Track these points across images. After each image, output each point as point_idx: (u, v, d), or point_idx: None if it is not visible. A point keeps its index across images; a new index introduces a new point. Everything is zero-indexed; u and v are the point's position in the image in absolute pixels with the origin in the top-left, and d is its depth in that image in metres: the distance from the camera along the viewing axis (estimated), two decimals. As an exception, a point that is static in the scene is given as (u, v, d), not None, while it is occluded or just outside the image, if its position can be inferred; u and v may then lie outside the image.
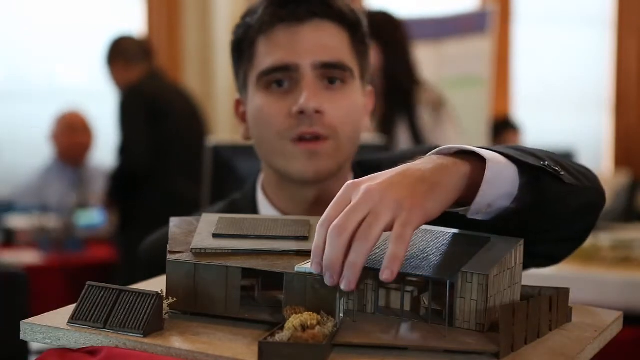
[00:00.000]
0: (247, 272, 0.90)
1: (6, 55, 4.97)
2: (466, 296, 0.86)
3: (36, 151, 4.48)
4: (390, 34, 2.96)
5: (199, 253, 0.93)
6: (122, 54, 3.72)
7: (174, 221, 1.04)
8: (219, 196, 1.79)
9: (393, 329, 0.86)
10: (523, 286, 0.95)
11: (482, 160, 0.93)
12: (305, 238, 0.97)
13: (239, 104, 1.34)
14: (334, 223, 0.85)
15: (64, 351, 0.85)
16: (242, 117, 1.33)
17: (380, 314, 0.91)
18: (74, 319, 0.86)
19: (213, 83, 4.99)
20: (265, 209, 1.32)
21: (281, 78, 1.24)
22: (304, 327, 0.80)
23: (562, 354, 0.84)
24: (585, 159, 4.81)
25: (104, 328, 0.84)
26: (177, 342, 0.82)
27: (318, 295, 0.85)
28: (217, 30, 4.92)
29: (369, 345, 0.82)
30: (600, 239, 2.41)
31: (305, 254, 0.93)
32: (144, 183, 3.50)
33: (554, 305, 0.91)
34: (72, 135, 4.17)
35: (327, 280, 0.84)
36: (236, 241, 0.96)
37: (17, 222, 3.76)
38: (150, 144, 3.46)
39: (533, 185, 0.96)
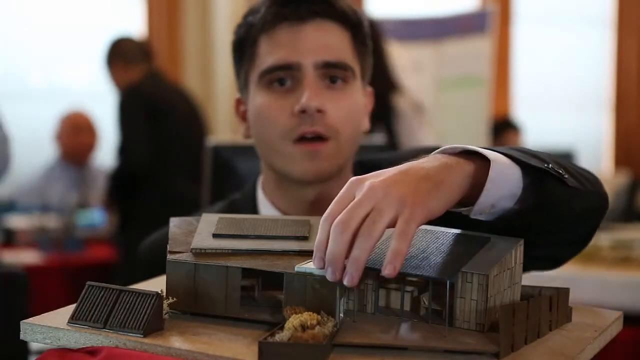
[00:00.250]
0: (247, 272, 0.90)
1: (6, 55, 4.97)
2: (466, 296, 0.86)
3: (36, 151, 4.48)
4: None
5: (199, 253, 0.93)
6: (122, 54, 3.72)
7: (174, 221, 1.04)
8: (219, 196, 1.79)
9: (393, 329, 0.86)
10: (523, 286, 0.95)
11: (485, 160, 0.93)
12: (305, 238, 0.97)
13: (239, 103, 1.34)
14: (338, 218, 0.85)
15: (64, 351, 0.85)
16: (242, 116, 1.33)
17: (380, 314, 0.91)
18: (74, 319, 0.86)
19: (213, 83, 4.99)
20: (266, 208, 1.32)
21: (283, 77, 1.24)
22: (304, 327, 0.80)
23: (562, 354, 0.84)
24: (585, 159, 4.82)
25: (104, 328, 0.84)
26: (177, 342, 0.82)
27: (318, 295, 0.85)
28: (217, 30, 4.92)
29: (369, 345, 0.82)
30: (600, 239, 2.41)
31: (305, 254, 0.93)
32: (143, 183, 3.50)
33: (554, 305, 0.91)
34: (76, 136, 4.17)
35: (329, 276, 0.84)
36: (236, 241, 0.96)
37: (17, 222, 3.76)
38: (150, 144, 3.46)
39: (536, 187, 0.96)
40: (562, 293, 0.94)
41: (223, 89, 4.93)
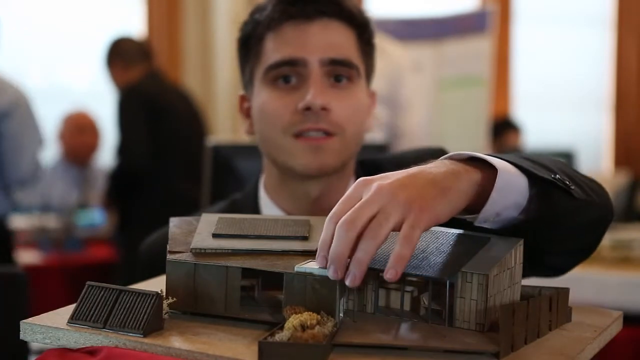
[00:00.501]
0: (247, 272, 0.90)
1: (6, 55, 4.97)
2: (466, 296, 0.86)
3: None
4: None
5: (199, 253, 0.93)
6: (121, 55, 3.72)
7: (173, 221, 1.04)
8: (219, 196, 1.79)
9: (393, 329, 0.86)
10: (523, 286, 0.95)
11: (492, 168, 0.93)
12: (305, 238, 0.97)
13: (243, 100, 1.34)
14: (344, 218, 0.85)
15: (64, 351, 0.85)
16: (246, 113, 1.33)
17: (380, 314, 0.91)
18: (73, 319, 0.86)
19: (213, 83, 4.99)
20: (268, 208, 1.32)
21: (288, 73, 1.24)
22: (303, 327, 0.80)
23: (562, 354, 0.84)
24: (585, 159, 4.82)
25: (103, 328, 0.84)
26: (177, 342, 0.82)
27: (318, 295, 0.85)
28: (217, 30, 4.92)
29: (369, 345, 0.82)
30: (600, 238, 2.40)
31: (305, 254, 0.93)
32: (143, 183, 3.50)
33: (554, 305, 0.91)
34: (79, 136, 4.18)
35: (331, 274, 0.84)
36: (236, 241, 0.96)
37: (17, 222, 3.76)
38: (150, 144, 3.46)
39: (542, 198, 0.96)
40: (562, 293, 0.94)
41: (223, 89, 4.93)
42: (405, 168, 1.28)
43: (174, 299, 0.89)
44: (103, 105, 4.40)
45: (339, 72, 1.25)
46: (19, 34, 4.99)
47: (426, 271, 0.87)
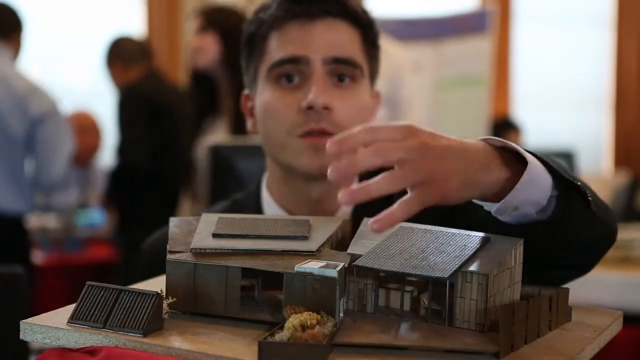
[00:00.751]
0: (247, 272, 0.90)
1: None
2: (466, 296, 0.86)
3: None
4: (234, 26, 2.96)
5: (199, 253, 0.93)
6: (121, 54, 3.72)
7: (173, 221, 1.04)
8: (219, 196, 1.79)
9: (393, 329, 0.86)
10: (523, 286, 0.95)
11: (522, 161, 0.93)
12: (305, 238, 0.97)
13: (247, 98, 1.34)
14: (374, 127, 0.86)
15: (64, 351, 0.85)
16: (249, 111, 1.33)
17: (380, 314, 0.91)
18: (73, 318, 0.86)
19: (213, 83, 4.98)
20: (270, 207, 1.32)
21: (291, 72, 1.24)
22: (303, 327, 0.80)
23: (562, 354, 0.84)
24: (585, 159, 4.82)
25: (103, 328, 0.84)
26: (177, 342, 0.82)
27: (318, 295, 0.85)
28: (217, 30, 4.92)
29: (369, 345, 0.82)
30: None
31: (305, 254, 0.93)
32: (143, 183, 3.50)
33: (553, 305, 0.91)
34: (81, 136, 4.18)
35: (327, 145, 0.85)
36: (236, 241, 0.96)
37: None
38: (150, 144, 3.46)
39: (562, 201, 0.96)
40: (562, 293, 0.94)
41: (223, 89, 4.92)
42: None
43: (174, 299, 0.89)
44: (103, 105, 4.40)
45: (342, 71, 1.25)
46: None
47: (426, 271, 0.87)
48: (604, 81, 5.29)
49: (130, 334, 0.83)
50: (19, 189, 3.10)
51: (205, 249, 0.93)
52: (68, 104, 4.39)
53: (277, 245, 0.95)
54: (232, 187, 1.87)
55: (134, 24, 5.01)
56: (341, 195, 0.85)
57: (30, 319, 0.87)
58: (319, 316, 0.82)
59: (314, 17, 1.24)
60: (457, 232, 0.95)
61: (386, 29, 3.48)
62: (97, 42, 4.13)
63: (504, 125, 4.77)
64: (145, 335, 0.83)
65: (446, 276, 0.85)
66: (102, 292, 0.87)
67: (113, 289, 0.87)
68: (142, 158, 3.46)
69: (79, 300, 0.87)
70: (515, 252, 0.91)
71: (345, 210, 1.29)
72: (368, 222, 0.87)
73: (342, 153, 0.86)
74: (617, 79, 5.20)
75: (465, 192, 0.90)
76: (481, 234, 0.93)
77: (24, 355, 1.96)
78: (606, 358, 1.13)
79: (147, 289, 0.87)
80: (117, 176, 3.57)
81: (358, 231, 0.99)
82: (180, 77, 4.97)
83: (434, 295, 0.89)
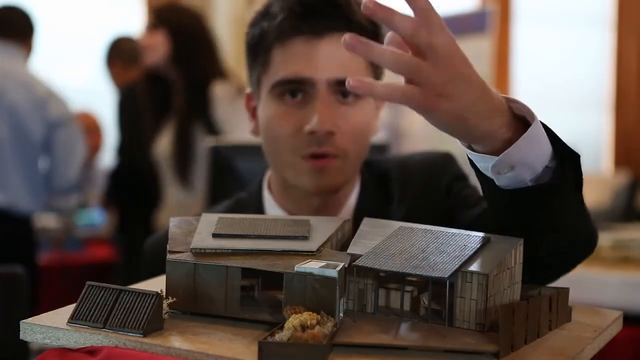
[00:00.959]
0: (247, 272, 0.90)
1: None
2: (466, 296, 0.86)
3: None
4: (185, 24, 2.98)
5: (199, 253, 0.93)
6: (121, 54, 3.72)
7: (173, 221, 1.04)
8: (219, 196, 1.80)
9: (393, 329, 0.86)
10: (523, 286, 0.95)
11: (526, 129, 0.93)
12: (305, 238, 0.97)
13: (250, 98, 1.34)
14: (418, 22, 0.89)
15: (64, 351, 0.85)
16: (252, 111, 1.33)
17: (380, 314, 0.91)
18: (73, 318, 0.86)
19: (213, 83, 4.98)
20: (272, 208, 1.32)
21: (295, 89, 1.23)
22: (303, 327, 0.80)
23: (562, 354, 0.84)
24: (585, 159, 4.79)
25: (103, 328, 0.84)
26: (177, 342, 0.82)
27: (318, 295, 0.85)
28: (217, 30, 4.91)
29: (369, 345, 0.82)
30: (600, 238, 2.40)
31: (305, 254, 0.93)
32: (143, 183, 3.49)
33: (553, 305, 0.91)
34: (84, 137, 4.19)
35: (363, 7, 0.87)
36: (236, 241, 0.96)
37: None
38: (150, 144, 3.46)
39: (556, 174, 0.96)
40: (562, 293, 0.94)
41: (223, 89, 4.93)
42: (411, 172, 1.29)
43: (174, 299, 0.89)
44: (102, 105, 4.40)
45: (346, 89, 1.24)
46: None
47: (426, 271, 0.87)
48: (604, 81, 5.29)
49: (130, 334, 0.83)
50: (34, 190, 3.15)
51: (205, 249, 0.93)
52: (72, 104, 4.39)
53: (277, 245, 0.95)
54: (232, 187, 1.87)
55: (134, 24, 5.01)
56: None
57: (30, 319, 0.87)
58: (319, 316, 0.82)
59: (319, 34, 1.22)
60: (457, 232, 0.95)
61: (386, 29, 3.48)
62: (97, 41, 4.13)
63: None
64: (145, 335, 0.83)
65: (446, 276, 0.85)
66: (102, 292, 0.87)
67: (113, 289, 0.87)
68: (142, 158, 3.46)
69: (79, 300, 0.87)
70: (515, 252, 0.91)
71: (346, 213, 1.30)
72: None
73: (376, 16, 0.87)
74: (617, 79, 5.20)
75: (452, 124, 0.90)
76: (481, 234, 0.93)
77: (24, 355, 1.96)
78: (606, 358, 1.13)
79: (147, 289, 0.87)
80: (117, 176, 3.57)
81: (358, 231, 0.99)
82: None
83: (434, 295, 0.89)
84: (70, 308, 0.88)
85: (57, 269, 3.43)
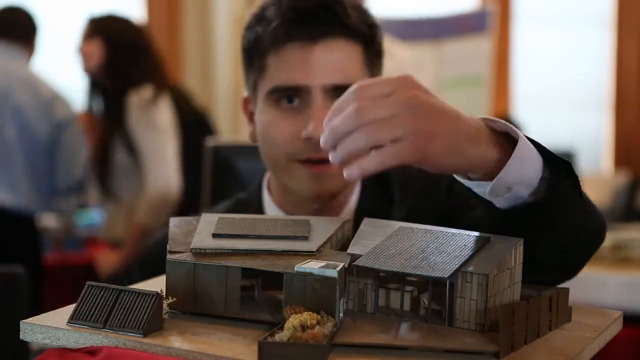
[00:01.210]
0: (247, 272, 0.90)
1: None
2: (466, 296, 0.86)
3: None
4: (121, 34, 3.00)
5: (199, 253, 0.93)
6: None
7: (173, 221, 1.04)
8: (219, 196, 1.80)
9: (393, 329, 0.86)
10: (523, 286, 0.95)
11: (513, 145, 0.93)
12: (305, 238, 0.97)
13: (247, 102, 1.33)
14: (360, 105, 0.86)
15: (64, 351, 0.85)
16: (250, 116, 1.32)
17: (380, 314, 0.91)
18: (73, 318, 0.86)
19: (213, 83, 4.99)
20: (271, 209, 1.33)
21: (291, 95, 1.23)
22: (303, 327, 0.80)
23: (562, 354, 0.84)
24: (585, 159, 4.81)
25: (103, 328, 0.84)
26: (177, 342, 0.82)
27: (318, 295, 0.85)
28: (217, 30, 4.92)
29: (369, 345, 0.82)
30: (600, 238, 2.40)
31: (305, 254, 0.93)
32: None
33: (553, 305, 0.91)
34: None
35: (324, 139, 0.88)
36: (236, 241, 0.96)
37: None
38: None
39: (553, 183, 0.96)
40: (562, 293, 0.94)
41: (223, 89, 4.93)
42: (409, 172, 1.29)
43: (174, 299, 0.89)
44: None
45: (342, 94, 1.23)
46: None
47: (426, 271, 0.87)
48: (604, 81, 5.29)
49: (130, 334, 0.83)
50: (39, 190, 3.17)
51: (205, 249, 0.93)
52: (72, 105, 4.38)
53: (277, 245, 0.95)
54: (232, 187, 1.87)
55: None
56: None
57: (30, 319, 0.87)
58: (319, 316, 0.82)
59: (314, 39, 1.21)
60: (457, 232, 0.95)
61: (386, 29, 3.49)
62: (97, 42, 4.12)
63: (504, 125, 4.76)
64: (145, 335, 0.83)
65: (446, 276, 0.85)
66: (102, 292, 0.87)
67: (113, 289, 0.87)
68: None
69: (79, 300, 0.87)
70: (515, 252, 0.91)
71: (347, 214, 1.30)
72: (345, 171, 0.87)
73: (336, 149, 0.87)
74: (617, 79, 5.20)
75: (446, 158, 0.89)
76: (481, 234, 0.93)
77: (24, 355, 1.96)
78: (606, 358, 1.13)
79: (147, 289, 0.87)
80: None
81: (358, 231, 0.99)
82: (180, 75, 4.97)
83: (434, 295, 0.89)
84: (70, 308, 0.88)
85: (57, 269, 3.42)
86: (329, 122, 0.89)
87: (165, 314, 0.87)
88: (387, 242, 0.92)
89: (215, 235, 0.97)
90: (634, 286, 2.29)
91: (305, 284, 0.86)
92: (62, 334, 0.85)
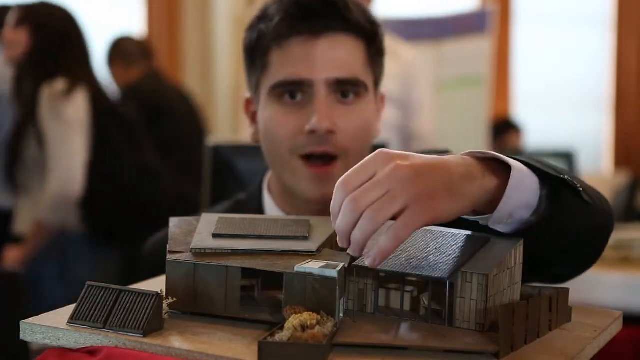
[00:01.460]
0: (247, 272, 0.90)
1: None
2: (466, 296, 0.86)
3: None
4: (50, 23, 2.95)
5: (199, 253, 0.93)
6: (122, 54, 3.72)
7: (173, 221, 1.04)
8: (219, 196, 1.79)
9: (393, 329, 0.86)
10: (523, 286, 0.95)
11: (506, 169, 0.92)
12: (305, 238, 0.97)
13: (249, 103, 1.33)
14: (351, 196, 0.86)
15: (64, 351, 0.85)
16: (252, 117, 1.32)
17: (380, 314, 0.91)
18: (73, 319, 0.86)
19: (213, 83, 4.99)
20: (271, 209, 1.32)
21: (294, 90, 1.23)
22: (303, 327, 0.80)
23: (562, 354, 0.84)
24: (585, 159, 4.82)
25: (103, 328, 0.84)
26: (177, 342, 0.82)
27: (318, 295, 0.85)
28: (217, 30, 4.92)
29: (369, 345, 0.82)
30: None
31: (305, 254, 0.93)
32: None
33: (553, 305, 0.91)
34: None
35: (339, 242, 0.88)
36: (236, 241, 0.96)
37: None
38: (150, 144, 3.46)
39: (553, 198, 0.96)
40: (562, 293, 0.94)
41: (223, 89, 4.93)
42: None
43: (174, 299, 0.89)
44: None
45: (346, 89, 1.23)
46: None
47: (426, 271, 0.87)
48: (604, 81, 5.29)
49: (130, 334, 0.83)
50: None
51: (205, 249, 0.93)
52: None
53: (277, 245, 0.95)
54: (232, 187, 1.87)
55: (134, 24, 5.01)
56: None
57: (30, 319, 0.87)
58: (319, 316, 0.82)
59: (317, 34, 1.22)
60: (457, 232, 0.95)
61: (386, 29, 3.49)
62: (97, 41, 4.13)
63: (504, 126, 4.77)
64: (145, 335, 0.83)
65: (446, 276, 0.85)
66: (102, 292, 0.87)
67: (113, 289, 0.87)
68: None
69: (79, 300, 0.87)
70: (515, 252, 0.91)
71: None
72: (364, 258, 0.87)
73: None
74: (617, 79, 5.20)
75: (453, 205, 0.88)
76: (481, 234, 0.93)
77: (24, 355, 1.96)
78: (606, 358, 1.13)
79: (147, 289, 0.87)
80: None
81: (358, 231, 0.99)
82: (181, 77, 4.98)
83: (434, 295, 0.89)
84: (70, 308, 0.88)
85: (57, 269, 3.42)
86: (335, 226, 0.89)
87: (165, 314, 0.87)
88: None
89: (215, 235, 0.97)
90: (634, 286, 2.29)
91: (305, 284, 0.86)
92: (62, 334, 0.85)
